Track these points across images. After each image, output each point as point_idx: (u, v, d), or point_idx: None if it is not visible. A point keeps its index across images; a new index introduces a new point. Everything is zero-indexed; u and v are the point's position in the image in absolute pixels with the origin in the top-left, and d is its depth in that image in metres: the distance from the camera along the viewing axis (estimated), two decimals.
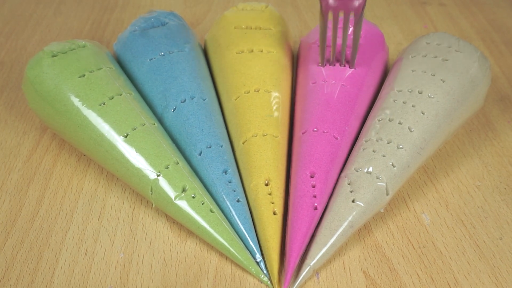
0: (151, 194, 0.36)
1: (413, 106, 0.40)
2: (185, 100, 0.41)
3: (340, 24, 0.44)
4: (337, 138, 0.39)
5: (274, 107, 0.41)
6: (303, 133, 0.39)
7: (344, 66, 0.43)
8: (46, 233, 0.37)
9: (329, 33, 0.43)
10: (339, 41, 0.44)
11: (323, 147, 0.38)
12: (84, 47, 0.43)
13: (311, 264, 0.33)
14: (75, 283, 0.33)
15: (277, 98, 0.42)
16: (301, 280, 0.33)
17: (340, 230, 0.34)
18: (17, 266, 0.34)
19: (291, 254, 0.33)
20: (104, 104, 0.39)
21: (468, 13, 0.63)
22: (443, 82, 0.41)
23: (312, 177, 0.36)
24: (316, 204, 0.35)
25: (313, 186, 0.36)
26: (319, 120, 0.39)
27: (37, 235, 0.36)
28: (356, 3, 0.39)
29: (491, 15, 0.62)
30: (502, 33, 0.59)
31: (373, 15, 0.63)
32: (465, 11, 0.63)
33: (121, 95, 0.40)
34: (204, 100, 0.42)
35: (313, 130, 0.39)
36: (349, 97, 0.41)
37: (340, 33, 0.44)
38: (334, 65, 0.43)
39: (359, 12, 0.40)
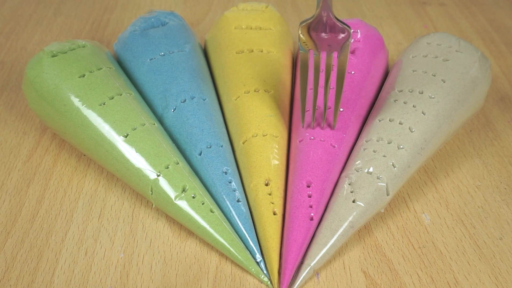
0: (151, 194, 0.36)
1: (413, 106, 0.40)
2: (185, 100, 0.41)
3: (322, 83, 0.39)
4: (334, 146, 0.38)
5: (274, 107, 0.41)
6: (300, 141, 0.39)
7: (324, 128, 0.39)
8: (46, 233, 0.37)
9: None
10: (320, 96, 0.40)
11: (319, 156, 0.37)
12: (84, 47, 0.43)
13: (312, 265, 0.33)
14: (75, 283, 0.33)
15: (277, 98, 0.42)
16: (301, 280, 0.33)
17: (341, 230, 0.34)
18: (17, 266, 0.34)
19: (286, 266, 0.33)
20: (104, 104, 0.39)
21: (468, 13, 0.63)
22: (444, 82, 0.41)
23: (308, 186, 0.36)
24: (312, 214, 0.35)
25: (309, 196, 0.36)
26: (316, 128, 0.39)
27: (37, 235, 0.36)
28: (340, 36, 0.35)
29: (491, 15, 0.62)
30: (502, 33, 0.59)
31: (373, 15, 0.63)
32: (465, 11, 0.63)
33: (121, 95, 0.40)
34: (204, 100, 0.42)
35: (310, 139, 0.39)
36: (347, 102, 0.41)
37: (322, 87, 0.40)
38: (314, 128, 0.39)
39: (343, 48, 0.36)
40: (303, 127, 0.39)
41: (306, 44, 0.36)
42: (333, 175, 0.37)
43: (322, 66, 0.38)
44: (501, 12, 0.63)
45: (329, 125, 0.39)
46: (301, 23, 0.35)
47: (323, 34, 0.35)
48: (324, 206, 0.36)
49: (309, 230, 0.34)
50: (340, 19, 0.36)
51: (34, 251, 0.35)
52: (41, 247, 0.36)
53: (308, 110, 0.39)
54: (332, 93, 0.40)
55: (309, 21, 0.35)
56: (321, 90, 0.39)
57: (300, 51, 0.36)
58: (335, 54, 0.36)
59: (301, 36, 0.35)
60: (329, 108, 0.40)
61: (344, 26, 0.35)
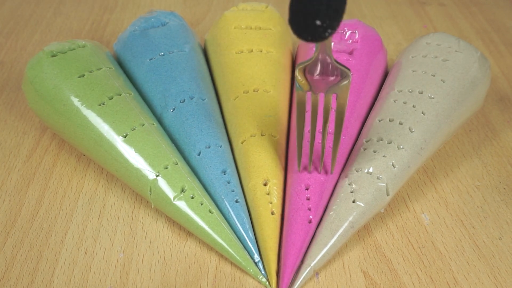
0: (150, 194, 0.36)
1: (413, 106, 0.40)
2: (184, 100, 0.41)
3: (319, 127, 0.37)
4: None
5: (273, 107, 0.41)
6: None
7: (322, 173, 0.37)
8: (46, 233, 0.37)
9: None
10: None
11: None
12: (84, 47, 0.43)
13: (312, 265, 0.33)
14: (75, 283, 0.33)
15: (276, 98, 0.42)
16: (301, 281, 0.33)
17: (341, 230, 0.34)
18: (17, 266, 0.34)
19: (285, 270, 0.33)
20: (103, 104, 0.39)
21: (468, 13, 0.63)
22: (443, 82, 0.41)
23: (307, 189, 0.36)
24: (311, 217, 0.35)
25: (308, 199, 0.35)
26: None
27: (37, 235, 0.36)
28: (339, 78, 0.32)
29: (490, 15, 0.62)
30: (501, 33, 0.59)
31: (373, 15, 0.63)
32: (464, 11, 0.63)
33: (120, 95, 0.40)
34: (203, 100, 0.42)
35: (308, 141, 0.38)
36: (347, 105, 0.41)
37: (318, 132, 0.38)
38: (310, 172, 0.37)
39: (343, 89, 0.33)
40: (299, 171, 0.37)
41: (302, 86, 0.33)
42: (332, 177, 0.37)
43: (320, 110, 0.36)
44: (500, 12, 0.63)
45: (326, 171, 0.37)
46: (298, 65, 0.32)
47: (321, 76, 0.33)
48: (323, 209, 0.36)
49: (308, 233, 0.34)
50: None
51: (34, 251, 0.35)
52: (40, 247, 0.36)
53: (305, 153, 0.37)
54: (330, 136, 0.38)
55: (307, 63, 0.32)
56: (318, 134, 0.37)
57: (297, 90, 0.34)
58: (334, 96, 0.34)
59: (298, 77, 0.33)
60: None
61: (344, 68, 0.32)
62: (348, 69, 0.32)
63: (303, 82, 0.33)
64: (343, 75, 0.32)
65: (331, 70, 0.32)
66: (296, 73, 0.33)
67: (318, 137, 0.38)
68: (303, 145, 0.37)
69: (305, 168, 0.37)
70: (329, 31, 0.28)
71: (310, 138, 0.35)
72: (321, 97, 0.34)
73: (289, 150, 0.40)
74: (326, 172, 0.37)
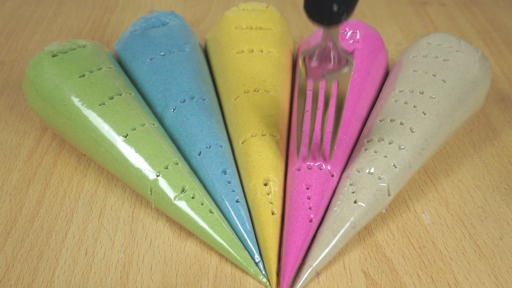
0: (151, 194, 0.36)
1: (414, 106, 0.40)
2: (185, 100, 0.41)
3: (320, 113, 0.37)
4: None
5: (273, 107, 0.41)
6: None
7: (320, 160, 0.37)
8: (47, 233, 0.37)
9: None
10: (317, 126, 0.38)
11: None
12: (84, 47, 0.43)
13: (313, 265, 0.33)
14: (75, 283, 0.33)
15: (277, 98, 0.42)
16: (303, 281, 0.33)
17: (342, 231, 0.34)
18: (17, 266, 0.34)
19: (285, 268, 0.33)
20: (104, 104, 0.39)
21: (468, 13, 0.63)
22: (444, 82, 0.41)
23: (307, 188, 0.36)
24: (312, 216, 0.35)
25: (309, 198, 0.36)
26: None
27: (37, 235, 0.36)
28: (342, 65, 0.32)
29: (491, 15, 0.62)
30: (502, 33, 0.59)
31: (373, 15, 0.63)
32: (465, 11, 0.63)
33: (121, 95, 0.40)
34: (203, 100, 0.42)
35: (307, 128, 0.38)
36: (348, 103, 0.41)
37: (318, 120, 0.38)
38: (309, 157, 0.37)
39: (345, 76, 0.33)
40: (297, 158, 0.37)
41: (302, 72, 0.33)
42: (333, 176, 0.37)
43: (321, 97, 0.36)
44: (501, 12, 0.63)
45: (325, 159, 0.37)
46: (302, 53, 0.32)
47: (320, 63, 0.32)
48: (323, 208, 0.36)
49: (308, 232, 0.34)
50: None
51: (34, 251, 0.35)
52: (41, 247, 0.36)
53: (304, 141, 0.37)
54: (330, 121, 0.37)
55: (311, 51, 0.32)
56: (318, 119, 0.37)
57: (299, 77, 0.34)
58: (335, 83, 0.34)
59: (299, 63, 0.33)
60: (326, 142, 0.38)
61: (348, 55, 0.32)
62: (352, 57, 0.32)
63: (302, 68, 0.33)
64: (346, 62, 0.32)
65: (333, 57, 0.32)
66: (299, 59, 0.33)
67: (318, 126, 0.38)
68: (303, 135, 0.37)
69: (304, 158, 0.37)
70: (345, 15, 0.28)
71: (310, 126, 0.36)
72: (322, 84, 0.34)
73: (290, 149, 0.40)
74: (324, 159, 0.37)
